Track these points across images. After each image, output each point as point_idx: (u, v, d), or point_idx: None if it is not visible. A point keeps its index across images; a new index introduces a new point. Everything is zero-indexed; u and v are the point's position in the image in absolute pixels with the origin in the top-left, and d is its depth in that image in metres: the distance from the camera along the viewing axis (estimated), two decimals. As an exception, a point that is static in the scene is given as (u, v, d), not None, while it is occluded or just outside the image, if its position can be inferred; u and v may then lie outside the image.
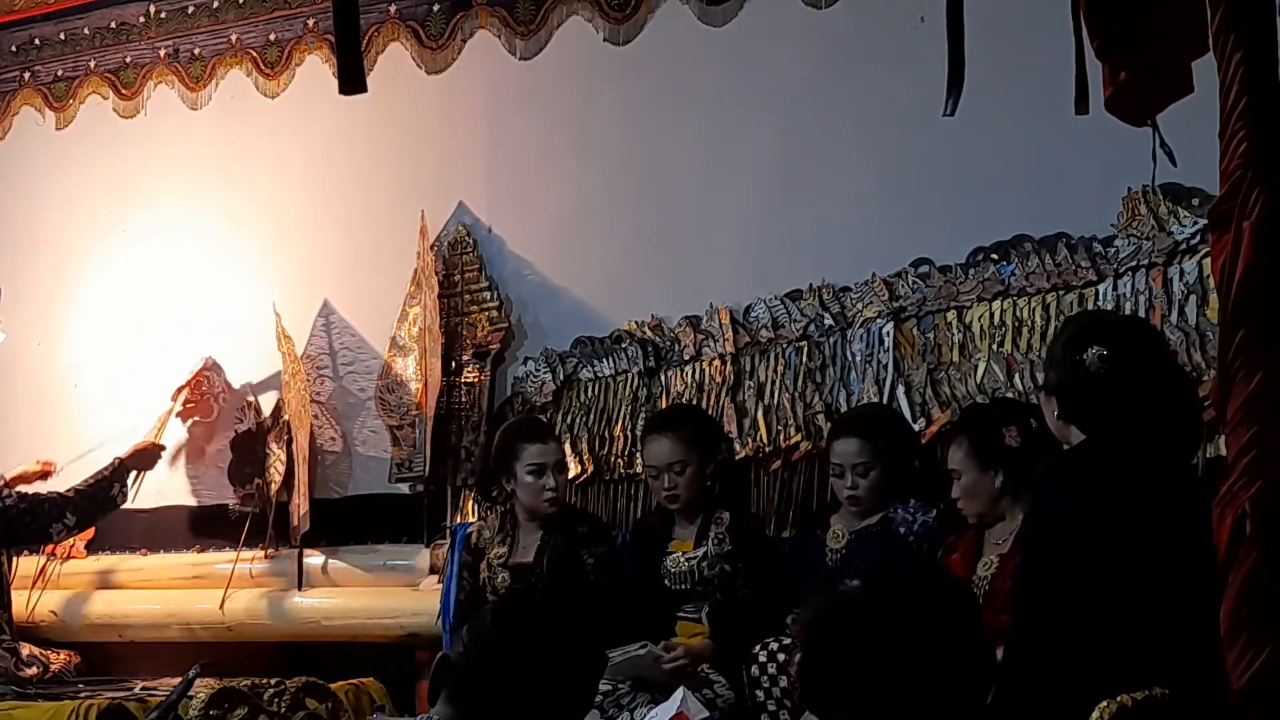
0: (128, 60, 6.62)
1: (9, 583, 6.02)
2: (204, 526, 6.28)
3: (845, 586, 2.19)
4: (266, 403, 6.15)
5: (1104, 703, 2.94)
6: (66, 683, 5.78)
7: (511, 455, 4.98)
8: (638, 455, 5.29)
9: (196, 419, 6.30)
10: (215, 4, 6.44)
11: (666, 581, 4.86)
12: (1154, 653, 3.04)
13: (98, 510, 5.97)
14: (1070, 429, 3.38)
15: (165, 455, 6.20)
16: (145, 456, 6.09)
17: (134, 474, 6.05)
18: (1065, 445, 3.48)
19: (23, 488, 6.10)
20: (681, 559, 4.86)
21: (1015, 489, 4.28)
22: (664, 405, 5.38)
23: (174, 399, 6.24)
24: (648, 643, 4.63)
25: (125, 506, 6.10)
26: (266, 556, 6.02)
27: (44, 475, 6.31)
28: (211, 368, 6.28)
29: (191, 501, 6.36)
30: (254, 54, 6.34)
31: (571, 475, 5.28)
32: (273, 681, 3.69)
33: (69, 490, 5.93)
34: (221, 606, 6.00)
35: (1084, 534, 3.19)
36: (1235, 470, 2.38)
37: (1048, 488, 3.35)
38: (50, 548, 6.30)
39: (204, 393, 6.26)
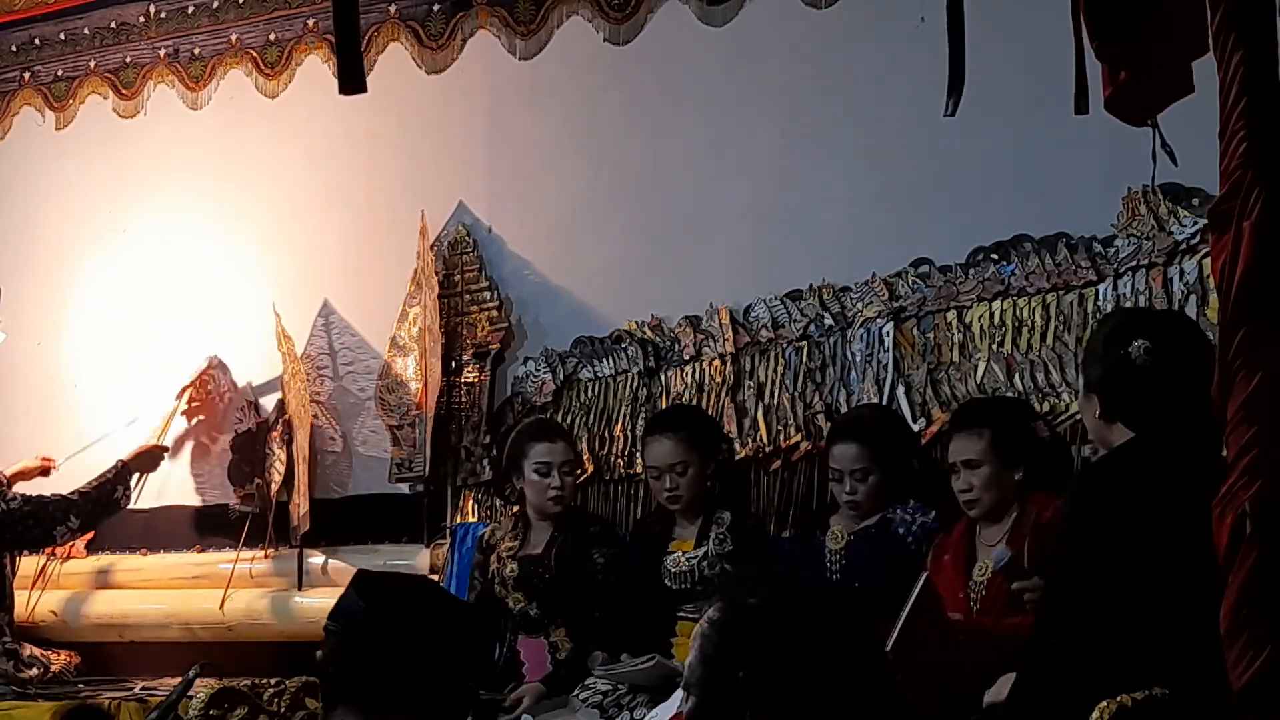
0: (128, 60, 6.62)
1: (11, 585, 6.02)
2: (204, 526, 6.29)
3: (749, 602, 2.26)
4: (267, 403, 6.15)
5: (1104, 703, 2.94)
6: (67, 683, 5.78)
7: (521, 454, 5.04)
8: (638, 455, 5.31)
9: (201, 418, 6.30)
10: (215, 4, 6.44)
11: (667, 581, 4.86)
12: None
13: (101, 513, 5.95)
14: (1113, 429, 3.34)
15: (169, 455, 6.20)
16: (148, 458, 6.07)
17: (136, 476, 6.04)
18: (1104, 447, 3.44)
19: (21, 485, 6.09)
20: (682, 559, 4.86)
21: (1031, 485, 4.27)
22: (664, 405, 5.38)
23: (178, 399, 6.24)
24: (656, 655, 4.63)
25: (126, 507, 6.11)
26: (266, 556, 6.03)
27: (44, 472, 6.30)
28: (217, 366, 6.28)
29: (191, 501, 6.37)
30: (254, 54, 6.34)
31: (572, 475, 5.29)
32: (273, 681, 3.70)
33: (72, 493, 5.90)
34: (221, 606, 6.00)
35: (1143, 534, 3.15)
36: (1235, 470, 2.37)
37: (1095, 490, 3.28)
38: (51, 550, 6.30)
39: (208, 392, 6.27)
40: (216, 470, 6.26)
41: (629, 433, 5.43)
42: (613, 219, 5.68)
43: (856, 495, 4.59)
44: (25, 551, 6.16)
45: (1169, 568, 3.13)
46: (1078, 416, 4.57)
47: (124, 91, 6.61)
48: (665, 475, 4.85)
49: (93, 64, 6.70)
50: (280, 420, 6.03)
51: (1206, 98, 2.67)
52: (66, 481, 6.09)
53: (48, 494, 5.93)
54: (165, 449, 6.15)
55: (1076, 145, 4.67)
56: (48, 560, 6.35)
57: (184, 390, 6.22)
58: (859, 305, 5.15)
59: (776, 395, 5.23)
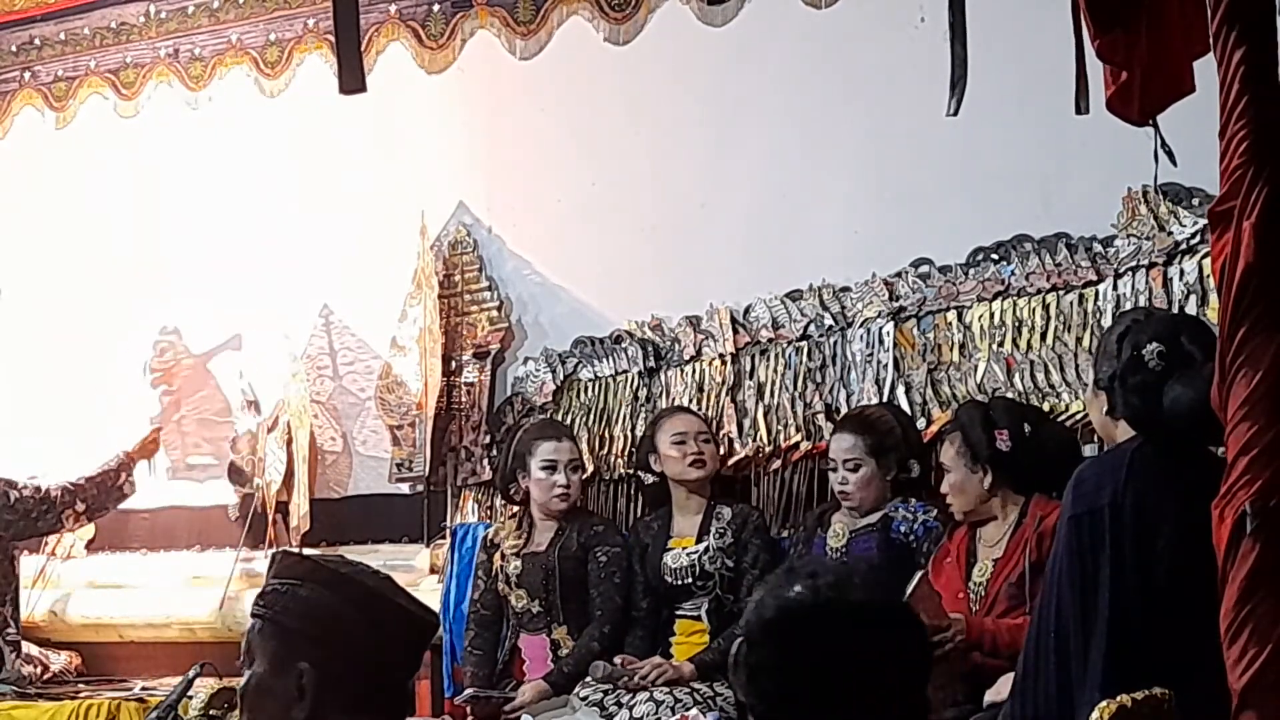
0: (128, 60, 6.61)
1: (19, 581, 6.04)
2: (204, 526, 6.29)
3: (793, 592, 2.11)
4: (267, 403, 6.15)
5: (1104, 703, 2.94)
6: (66, 683, 5.78)
7: (527, 452, 5.08)
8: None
9: (165, 388, 6.33)
10: (215, 4, 6.44)
11: (667, 578, 4.88)
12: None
13: (107, 499, 6.10)
14: (1117, 426, 3.36)
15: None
16: (152, 445, 6.24)
17: (144, 463, 6.19)
18: (1110, 444, 3.46)
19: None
20: (682, 554, 4.88)
21: (1002, 489, 4.29)
22: (664, 405, 5.38)
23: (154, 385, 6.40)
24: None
25: (125, 506, 6.15)
26: (267, 557, 6.02)
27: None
28: (172, 332, 6.35)
29: (191, 501, 6.37)
30: (254, 54, 6.33)
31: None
32: (272, 681, 3.69)
33: (80, 479, 6.04)
34: (221, 606, 5.99)
35: (1140, 532, 3.15)
36: (1235, 470, 2.38)
37: (1092, 489, 3.28)
38: (51, 550, 6.32)
39: (165, 362, 6.31)
40: (216, 470, 6.26)
41: (629, 432, 5.43)
42: (613, 218, 5.67)
43: (847, 485, 4.60)
44: (39, 538, 6.19)
45: (1168, 566, 3.13)
46: (1078, 415, 4.58)
47: (124, 91, 6.60)
48: (691, 440, 4.94)
49: (93, 64, 6.69)
50: (280, 420, 6.03)
51: (1206, 98, 2.67)
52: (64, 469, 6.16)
53: (51, 485, 6.03)
54: (158, 429, 6.27)
55: (1076, 145, 4.68)
56: (48, 560, 6.36)
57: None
58: (859, 305, 5.15)
59: (776, 395, 5.23)
